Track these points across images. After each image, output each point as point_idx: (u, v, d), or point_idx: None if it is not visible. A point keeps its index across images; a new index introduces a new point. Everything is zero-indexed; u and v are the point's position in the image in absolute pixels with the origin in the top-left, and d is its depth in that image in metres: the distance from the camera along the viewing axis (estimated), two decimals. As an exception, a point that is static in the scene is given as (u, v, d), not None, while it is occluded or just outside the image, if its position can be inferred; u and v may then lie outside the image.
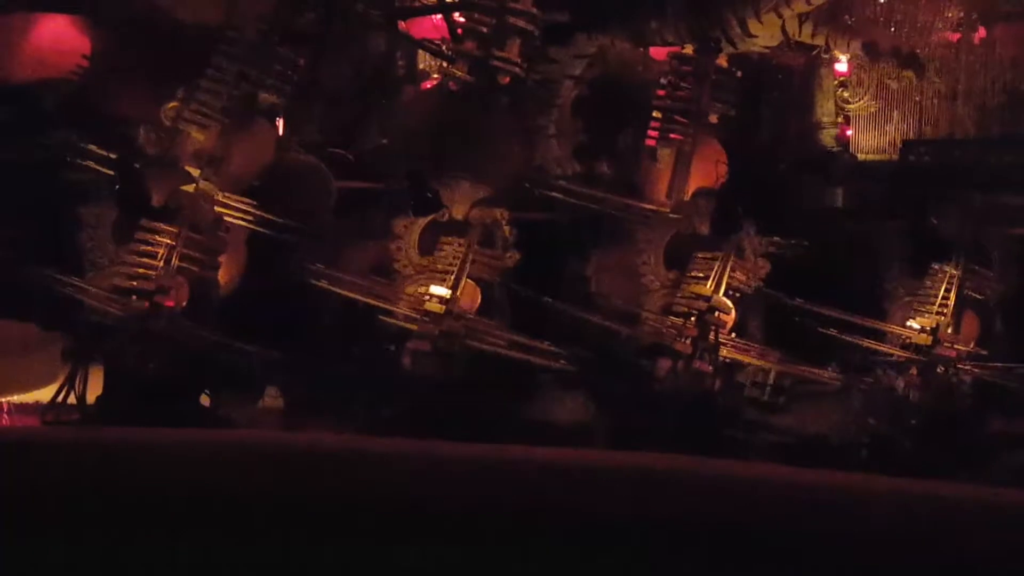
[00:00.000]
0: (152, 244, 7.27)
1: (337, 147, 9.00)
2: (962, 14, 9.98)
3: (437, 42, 8.94)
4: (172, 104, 7.62)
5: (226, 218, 7.48)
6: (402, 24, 9.46)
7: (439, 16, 9.24)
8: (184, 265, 7.25)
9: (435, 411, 7.23)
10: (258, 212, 7.50)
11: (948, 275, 7.81)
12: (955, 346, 7.63)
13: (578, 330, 7.69)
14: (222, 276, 7.49)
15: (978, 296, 7.87)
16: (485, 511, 3.10)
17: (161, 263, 7.21)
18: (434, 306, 7.43)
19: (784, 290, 7.81)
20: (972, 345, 7.74)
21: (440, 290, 7.47)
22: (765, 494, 3.17)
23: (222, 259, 7.44)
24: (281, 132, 8.49)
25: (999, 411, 7.70)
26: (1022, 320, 8.09)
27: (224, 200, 7.49)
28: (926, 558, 2.95)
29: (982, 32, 10.04)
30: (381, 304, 7.56)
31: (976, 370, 7.61)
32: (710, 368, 7.47)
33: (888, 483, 3.39)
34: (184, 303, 7.24)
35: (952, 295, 7.75)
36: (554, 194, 8.27)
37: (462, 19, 8.67)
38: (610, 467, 3.36)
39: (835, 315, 7.69)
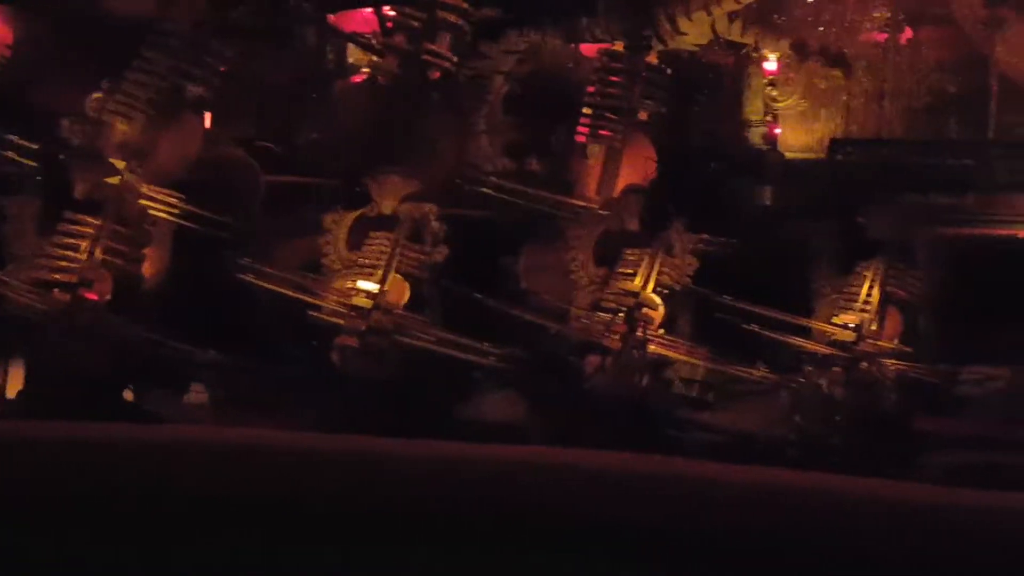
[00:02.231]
0: (75, 236, 7.17)
1: (267, 141, 8.95)
2: (889, 15, 10.09)
3: (367, 36, 8.89)
4: (97, 95, 7.52)
5: (151, 211, 7.40)
6: (332, 18, 9.42)
7: (369, 10, 9.20)
8: (108, 258, 7.16)
9: (364, 407, 7.19)
10: (185, 205, 7.42)
11: (873, 273, 7.88)
12: (878, 343, 7.70)
13: (509, 327, 7.68)
14: (147, 269, 7.41)
15: (903, 295, 7.94)
16: (410, 509, 3.08)
17: (84, 255, 7.12)
18: (361, 301, 7.38)
19: (713, 287, 7.84)
20: (895, 342, 7.82)
21: (367, 284, 7.43)
22: (693, 491, 3.18)
23: (146, 252, 7.36)
24: (210, 125, 8.41)
25: (923, 408, 7.77)
26: (948, 319, 8.17)
27: (149, 193, 7.40)
28: (853, 555, 2.96)
29: (908, 33, 10.16)
30: (310, 299, 7.51)
31: (898, 367, 7.68)
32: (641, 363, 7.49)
33: (816, 480, 3.41)
34: (108, 296, 7.15)
35: (876, 293, 7.82)
36: (484, 190, 8.25)
37: (392, 13, 8.63)
38: (539, 464, 3.34)
39: (763, 313, 7.73)
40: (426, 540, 2.97)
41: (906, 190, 8.96)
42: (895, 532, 3.03)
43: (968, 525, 3.08)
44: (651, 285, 7.66)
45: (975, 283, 8.22)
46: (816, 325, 7.82)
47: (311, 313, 7.49)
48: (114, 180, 7.37)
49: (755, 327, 7.69)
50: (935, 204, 9.09)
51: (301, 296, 7.51)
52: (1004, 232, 9.16)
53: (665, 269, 7.73)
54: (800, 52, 9.50)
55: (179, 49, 7.57)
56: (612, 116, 8.22)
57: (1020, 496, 3.66)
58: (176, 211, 7.40)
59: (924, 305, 8.08)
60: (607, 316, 7.59)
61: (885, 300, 7.89)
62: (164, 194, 7.42)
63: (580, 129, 8.25)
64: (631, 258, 7.77)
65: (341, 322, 7.39)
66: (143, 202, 7.37)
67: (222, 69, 7.72)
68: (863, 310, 7.79)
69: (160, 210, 7.41)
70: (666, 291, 7.72)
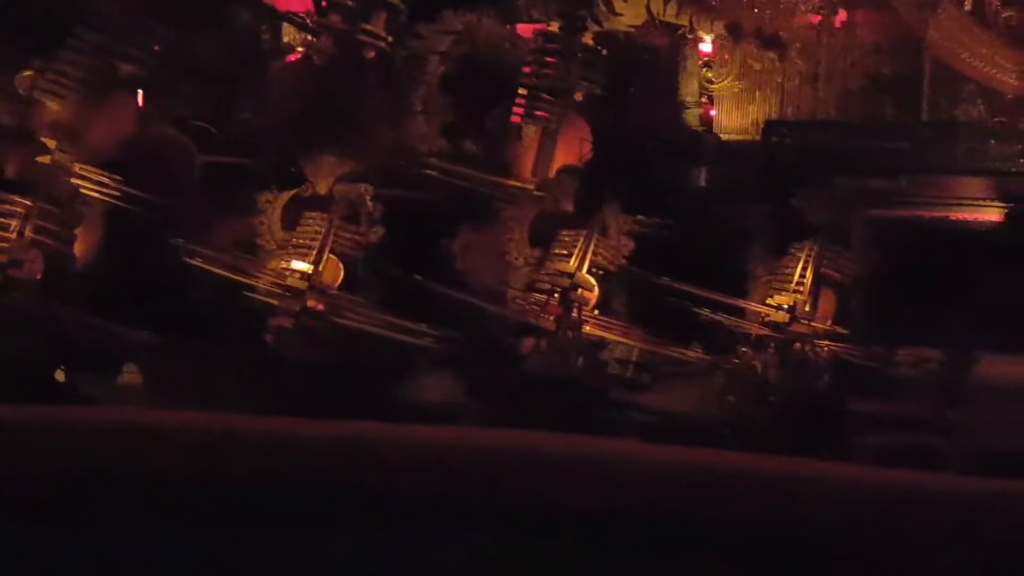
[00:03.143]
0: (6, 216, 7.09)
1: (201, 121, 8.87)
2: (823, -3, 10.14)
3: (302, 15, 8.84)
4: (28, 74, 7.43)
5: (83, 191, 7.32)
6: (267, -4, 9.35)
7: (305, -12, 9.13)
8: (39, 238, 7.09)
9: (299, 388, 7.16)
10: (118, 185, 7.35)
11: (807, 255, 7.92)
12: (812, 324, 7.75)
13: (445, 307, 7.67)
14: (78, 250, 7.34)
15: (837, 276, 7.99)
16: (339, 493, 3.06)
17: (15, 235, 7.04)
18: (296, 281, 7.34)
19: (648, 268, 7.86)
20: (829, 324, 7.87)
21: (301, 265, 7.40)
22: (626, 473, 3.19)
23: (78, 232, 7.28)
24: (143, 104, 8.33)
25: (857, 389, 7.83)
26: (881, 300, 8.24)
27: (81, 172, 7.32)
28: (790, 535, 2.98)
29: (843, 15, 10.22)
30: (244, 280, 7.47)
31: (832, 348, 7.74)
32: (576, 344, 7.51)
33: (748, 460, 3.43)
34: (39, 276, 7.07)
35: (810, 275, 7.87)
36: (421, 171, 8.23)
37: (327, -8, 8.58)
38: (472, 445, 3.34)
39: (699, 294, 7.76)
40: (348, 526, 2.97)
41: (840, 172, 9.02)
42: (825, 512, 3.06)
43: (897, 505, 3.12)
44: (586, 266, 7.68)
45: (908, 265, 8.29)
46: (751, 306, 7.86)
47: (246, 294, 7.44)
48: (45, 160, 7.29)
49: (691, 308, 7.72)
50: (869, 186, 9.16)
51: (236, 277, 7.47)
52: (937, 214, 9.26)
53: (600, 250, 7.75)
54: (735, 34, 9.55)
55: (112, 27, 7.49)
56: (548, 97, 8.23)
57: (949, 477, 3.71)
58: (109, 191, 7.33)
59: (858, 287, 8.14)
60: (542, 297, 7.60)
61: (819, 282, 7.94)
62: (96, 174, 7.34)
63: (516, 110, 8.25)
64: (566, 239, 7.78)
65: (276, 303, 7.36)
66: (75, 182, 7.30)
67: (155, 48, 7.65)
68: (797, 291, 7.83)
69: (92, 190, 7.34)
70: (601, 272, 7.74)
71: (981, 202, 9.21)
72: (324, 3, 8.50)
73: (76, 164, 7.31)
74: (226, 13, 9.10)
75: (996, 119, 9.99)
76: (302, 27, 8.94)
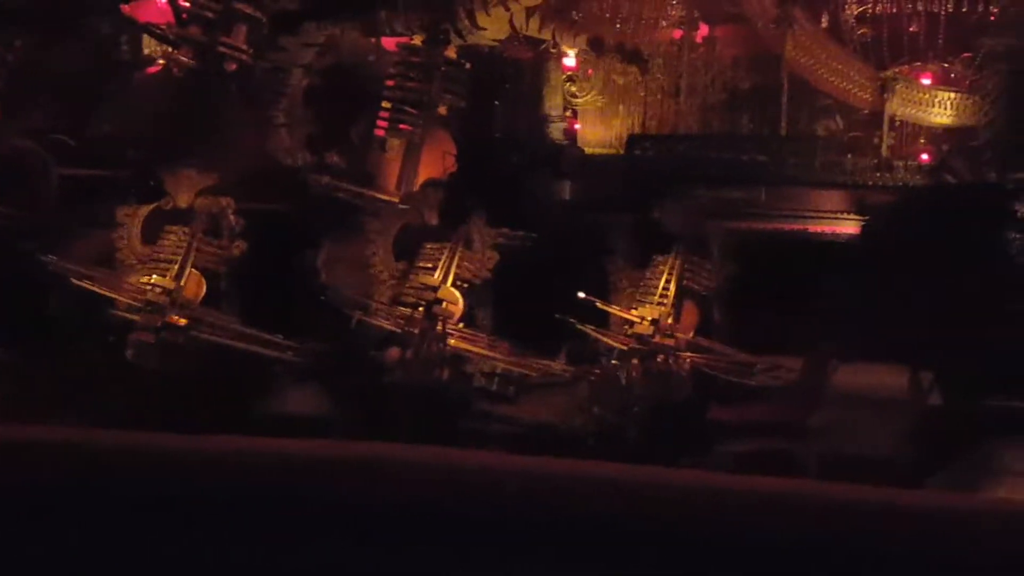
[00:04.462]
0: None
1: (60, 133, 8.72)
2: (684, 12, 10.28)
3: (162, 27, 8.74)
4: None
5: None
6: (126, 7, 9.23)
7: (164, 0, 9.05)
8: None
9: (159, 403, 7.06)
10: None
11: (669, 267, 7.99)
12: (675, 335, 7.81)
13: (310, 321, 7.62)
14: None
15: (698, 288, 8.08)
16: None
17: None
18: (156, 296, 7.24)
19: (514, 281, 7.88)
20: (691, 334, 7.95)
21: (162, 280, 7.29)
22: (489, 481, 3.20)
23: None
24: (-1, 117, 8.17)
25: (718, 398, 7.92)
26: (741, 311, 8.34)
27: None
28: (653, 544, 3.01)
29: (704, 30, 10.37)
30: (105, 294, 7.34)
31: (695, 358, 7.82)
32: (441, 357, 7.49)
33: (611, 469, 3.46)
34: None
35: (672, 286, 7.94)
36: (284, 184, 8.18)
37: (187, 3, 8.50)
38: (338, 457, 3.33)
39: (564, 305, 7.79)
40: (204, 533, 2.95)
41: (701, 184, 9.14)
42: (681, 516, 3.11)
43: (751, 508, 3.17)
44: (451, 279, 7.67)
45: (767, 275, 8.41)
46: (616, 314, 7.91)
47: (106, 308, 7.32)
48: None
49: (556, 320, 7.75)
50: (729, 198, 9.29)
51: (96, 291, 7.34)
52: (795, 226, 9.43)
53: (465, 263, 7.76)
54: (597, 48, 9.65)
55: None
56: (411, 110, 8.23)
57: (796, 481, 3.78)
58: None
59: (718, 298, 8.23)
60: (407, 310, 7.58)
61: (681, 293, 8.01)
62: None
63: (380, 123, 8.24)
64: (431, 252, 7.77)
65: (136, 318, 7.24)
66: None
67: (10, 59, 7.51)
68: (660, 303, 7.89)
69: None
70: (466, 285, 7.74)
71: (837, 214, 9.41)
72: (184, 15, 8.42)
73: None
74: (85, 24, 8.97)
75: (852, 134, 10.21)
76: (162, 39, 8.83)
